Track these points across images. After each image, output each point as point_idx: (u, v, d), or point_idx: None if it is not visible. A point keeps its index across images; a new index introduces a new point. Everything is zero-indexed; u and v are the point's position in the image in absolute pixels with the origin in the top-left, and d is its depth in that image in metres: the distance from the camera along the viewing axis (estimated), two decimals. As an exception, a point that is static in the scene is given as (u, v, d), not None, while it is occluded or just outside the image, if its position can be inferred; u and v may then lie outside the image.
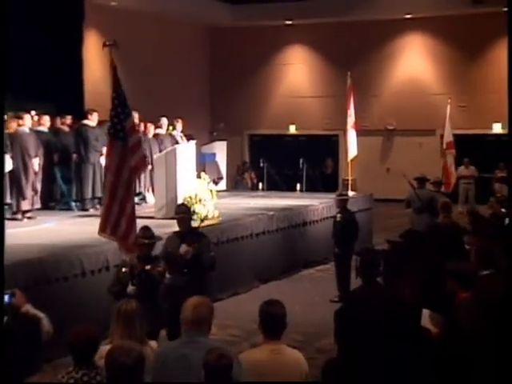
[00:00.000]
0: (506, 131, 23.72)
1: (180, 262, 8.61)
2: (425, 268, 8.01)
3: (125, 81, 22.50)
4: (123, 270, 7.98)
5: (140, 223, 12.52)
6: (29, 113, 14.20)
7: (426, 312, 6.71)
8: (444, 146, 19.42)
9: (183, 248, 8.64)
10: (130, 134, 8.28)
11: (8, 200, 13.34)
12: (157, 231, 11.76)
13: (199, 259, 8.67)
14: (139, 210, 14.59)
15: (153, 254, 8.44)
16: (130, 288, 7.73)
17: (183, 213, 9.30)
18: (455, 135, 23.48)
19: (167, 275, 8.34)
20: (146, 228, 8.43)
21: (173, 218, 12.96)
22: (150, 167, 15.69)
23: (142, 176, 15.98)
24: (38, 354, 5.08)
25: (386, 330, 6.32)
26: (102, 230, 8.24)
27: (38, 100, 15.34)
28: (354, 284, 9.51)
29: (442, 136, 24.71)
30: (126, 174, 8.08)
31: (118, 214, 8.06)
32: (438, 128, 25.00)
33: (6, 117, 14.11)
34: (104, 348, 5.12)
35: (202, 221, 9.69)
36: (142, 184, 16.07)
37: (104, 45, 8.64)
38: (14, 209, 13.52)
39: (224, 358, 4.76)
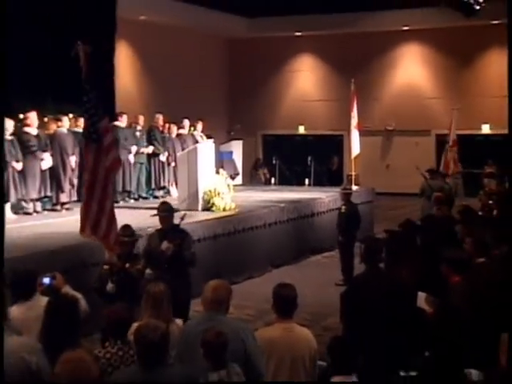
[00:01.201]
0: (493, 131, 23.73)
1: (161, 258, 8.04)
2: (421, 255, 8.01)
3: (152, 87, 22.79)
4: (104, 267, 7.51)
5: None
6: (67, 115, 14.23)
7: (421, 294, 6.72)
8: (450, 143, 19.28)
9: (164, 244, 8.11)
10: (103, 136, 7.64)
11: (48, 193, 13.41)
12: (180, 222, 11.95)
13: (180, 255, 8.16)
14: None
15: (134, 252, 7.92)
16: (110, 286, 7.27)
17: (165, 211, 8.66)
18: (448, 135, 23.57)
19: (148, 271, 7.69)
20: (126, 226, 7.89)
21: (190, 210, 13.17)
22: (173, 164, 15.72)
23: (167, 171, 16.01)
24: (76, 330, 5.10)
25: (386, 310, 6.33)
26: (82, 229, 7.66)
27: (75, 104, 15.33)
28: (357, 269, 9.57)
29: (437, 135, 24.80)
30: (101, 174, 7.51)
31: (96, 213, 7.49)
32: (432, 129, 25.00)
33: (46, 119, 14.21)
34: (134, 325, 5.15)
35: (182, 219, 8.64)
36: (167, 179, 16.06)
37: (76, 48, 8.09)
38: (54, 201, 13.55)
39: (221, 336, 4.78)
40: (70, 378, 4.02)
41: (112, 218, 7.52)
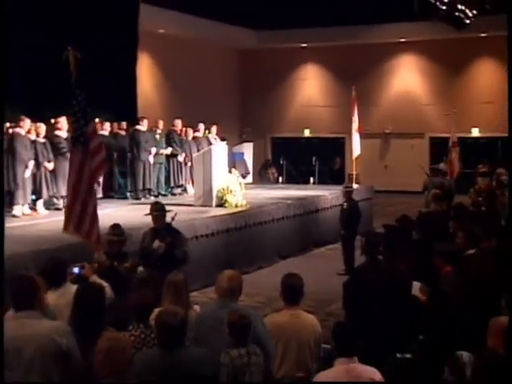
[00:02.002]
0: (482, 135, 23.66)
1: (154, 256, 7.62)
2: (416, 248, 8.00)
3: (171, 94, 22.78)
4: (93, 265, 6.98)
5: (182, 210, 12.73)
6: (93, 120, 14.26)
7: (416, 284, 6.71)
8: (450, 144, 19.35)
9: (156, 243, 7.74)
10: (90, 139, 7.26)
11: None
12: (195, 217, 11.97)
13: (172, 254, 7.71)
14: (182, 199, 14.84)
15: (123, 251, 7.44)
16: None
17: (158, 210, 8.21)
18: (442, 138, 23.49)
19: (141, 268, 7.19)
20: (115, 225, 7.45)
21: (205, 206, 13.19)
22: (190, 164, 15.72)
23: (184, 171, 16.02)
24: (102, 315, 5.12)
25: (385, 298, 6.33)
26: (66, 227, 7.25)
27: (100, 109, 15.38)
28: (358, 260, 9.55)
29: (430, 138, 24.76)
30: (86, 175, 7.11)
31: (80, 213, 7.10)
32: (426, 132, 24.97)
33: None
34: (156, 311, 5.15)
35: (173, 218, 8.20)
36: (184, 178, 16.07)
37: (67, 53, 7.63)
38: (81, 198, 13.58)
39: (244, 318, 4.79)
40: (108, 354, 4.10)
41: (95, 218, 7.13)
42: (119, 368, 4.08)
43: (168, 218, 8.18)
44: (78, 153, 7.13)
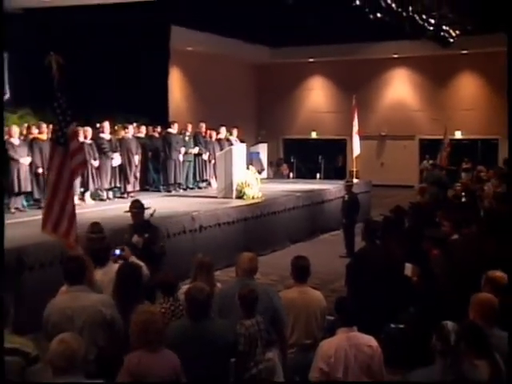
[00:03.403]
0: (464, 137, 23.47)
1: (133, 251, 6.79)
2: (407, 234, 7.96)
3: (197, 101, 22.75)
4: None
5: (205, 202, 12.77)
6: (132, 124, 14.29)
7: (408, 265, 6.70)
8: (445, 144, 19.27)
9: (135, 238, 7.20)
10: (70, 140, 6.47)
11: (118, 184, 13.46)
12: (218, 208, 11.96)
13: (150, 248, 7.20)
14: (206, 192, 14.86)
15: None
16: None
17: (136, 208, 7.58)
18: (429, 139, 23.47)
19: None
20: (95, 224, 6.77)
21: (226, 198, 13.14)
22: (213, 161, 15.68)
23: (208, 167, 15.97)
24: (139, 290, 5.13)
25: (381, 277, 6.32)
26: (44, 227, 6.40)
27: (138, 115, 15.45)
28: (358, 244, 9.53)
29: (420, 140, 24.61)
30: (66, 176, 6.35)
31: (58, 212, 6.31)
32: (416, 134, 24.82)
33: (116, 127, 14.26)
34: (184, 287, 5.14)
35: (151, 215, 7.64)
36: (208, 173, 16.04)
37: (49, 58, 7.05)
38: (122, 190, 13.60)
39: (253, 292, 4.76)
40: (143, 325, 4.10)
41: (72, 218, 6.36)
42: (152, 338, 4.08)
43: (147, 215, 7.63)
44: (59, 154, 6.40)
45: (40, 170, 11.74)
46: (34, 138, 11.99)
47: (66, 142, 6.38)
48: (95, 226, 6.72)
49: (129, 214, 7.62)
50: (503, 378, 3.94)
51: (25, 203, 11.83)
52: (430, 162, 19.44)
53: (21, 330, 4.31)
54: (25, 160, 11.51)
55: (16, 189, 11.31)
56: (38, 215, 10.74)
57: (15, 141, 11.50)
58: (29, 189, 11.68)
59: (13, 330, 4.18)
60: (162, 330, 4.22)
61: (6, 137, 11.18)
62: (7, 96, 14.79)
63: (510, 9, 9.50)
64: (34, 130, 12.17)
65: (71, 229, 6.28)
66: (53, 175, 6.39)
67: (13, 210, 11.14)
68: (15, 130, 11.64)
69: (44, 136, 12.00)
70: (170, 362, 4.14)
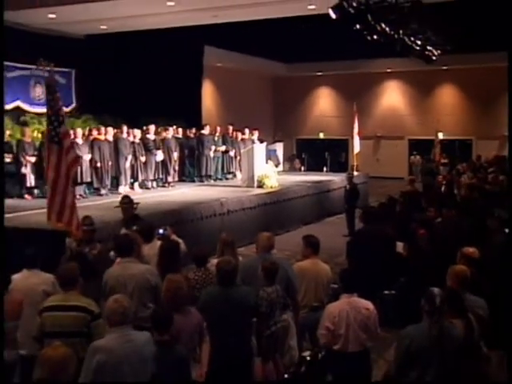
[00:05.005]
0: (445, 137, 23.12)
1: None
2: (398, 217, 7.91)
3: (225, 108, 22.70)
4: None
5: (232, 190, 12.73)
6: (172, 127, 14.29)
7: (399, 243, 6.66)
8: (436, 143, 19.53)
9: (123, 231, 6.45)
10: (63, 139, 5.98)
11: (160, 176, 13.38)
12: (242, 195, 11.94)
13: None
14: (232, 182, 14.84)
15: (95, 239, 6.07)
16: None
17: (125, 203, 6.91)
18: (417, 139, 23.32)
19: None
20: (86, 217, 6.12)
21: (249, 187, 13.09)
22: (238, 157, 15.57)
23: (234, 162, 15.74)
24: (178, 262, 5.16)
25: (376, 252, 6.29)
26: (49, 218, 6.01)
27: (177, 119, 15.46)
28: (357, 226, 9.47)
29: (409, 140, 24.37)
30: (63, 171, 5.90)
31: (60, 204, 5.89)
32: (406, 135, 24.58)
33: (159, 129, 14.16)
34: (214, 260, 5.12)
35: (135, 206, 6.96)
36: (234, 167, 15.89)
37: (39, 64, 6.47)
38: (164, 181, 13.55)
39: (274, 265, 4.77)
40: (171, 291, 4.16)
41: (73, 208, 5.93)
42: (180, 301, 4.12)
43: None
44: (54, 151, 5.94)
45: (99, 164, 11.86)
46: (94, 139, 12.09)
47: (60, 141, 5.93)
48: (87, 219, 6.06)
49: (119, 208, 6.95)
50: (475, 334, 3.98)
51: (86, 191, 11.93)
52: (412, 156, 19.58)
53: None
54: (86, 157, 11.64)
55: (79, 179, 11.35)
56: (96, 201, 11.02)
57: (79, 141, 11.60)
58: (89, 179, 11.79)
59: (81, 292, 4.26)
60: (187, 295, 4.23)
61: (71, 137, 11.28)
62: (74, 105, 14.95)
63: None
64: (94, 132, 12.26)
65: (72, 218, 5.89)
66: (51, 172, 5.95)
67: (78, 197, 11.21)
68: (79, 132, 11.75)
69: (102, 137, 12.14)
70: (195, 320, 4.18)
